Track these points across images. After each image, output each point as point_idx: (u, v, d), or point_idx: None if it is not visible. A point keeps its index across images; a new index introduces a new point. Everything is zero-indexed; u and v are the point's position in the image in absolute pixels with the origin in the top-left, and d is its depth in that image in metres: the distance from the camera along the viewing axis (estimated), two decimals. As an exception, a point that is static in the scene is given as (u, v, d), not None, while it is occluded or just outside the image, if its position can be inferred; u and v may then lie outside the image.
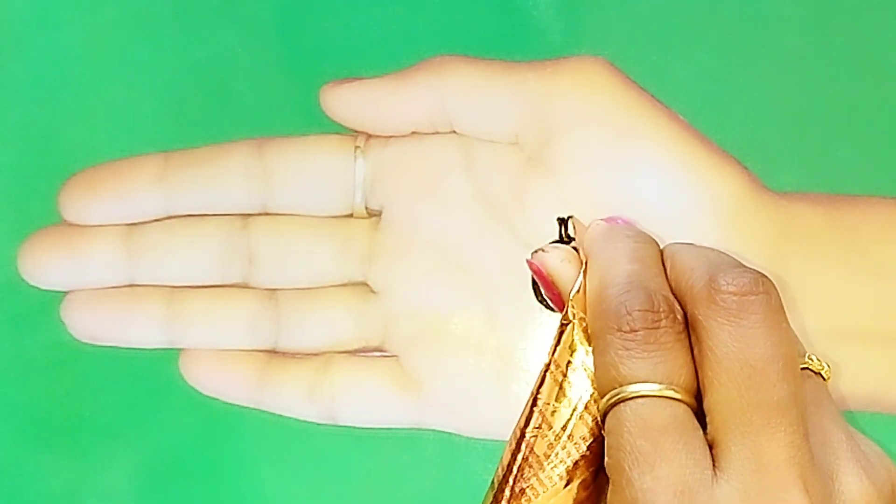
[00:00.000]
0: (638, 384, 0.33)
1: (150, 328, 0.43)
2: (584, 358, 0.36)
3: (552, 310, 0.39)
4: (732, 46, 0.43)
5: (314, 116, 0.43)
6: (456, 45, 0.43)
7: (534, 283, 0.40)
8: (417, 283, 0.43)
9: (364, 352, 0.43)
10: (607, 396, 0.34)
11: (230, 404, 0.43)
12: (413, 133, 0.43)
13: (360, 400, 0.43)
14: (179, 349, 0.44)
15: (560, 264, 0.38)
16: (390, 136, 0.43)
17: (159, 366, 0.44)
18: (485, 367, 0.42)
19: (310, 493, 0.43)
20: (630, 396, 0.33)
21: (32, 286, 0.44)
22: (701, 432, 0.33)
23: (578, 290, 0.36)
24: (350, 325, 0.43)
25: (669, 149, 0.41)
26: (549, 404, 0.36)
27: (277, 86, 0.44)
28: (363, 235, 0.44)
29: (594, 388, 0.35)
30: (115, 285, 0.44)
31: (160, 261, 0.43)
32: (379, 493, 0.43)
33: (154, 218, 0.44)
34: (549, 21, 0.43)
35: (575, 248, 0.39)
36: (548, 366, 0.36)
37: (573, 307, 0.36)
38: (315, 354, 0.43)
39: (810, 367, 0.36)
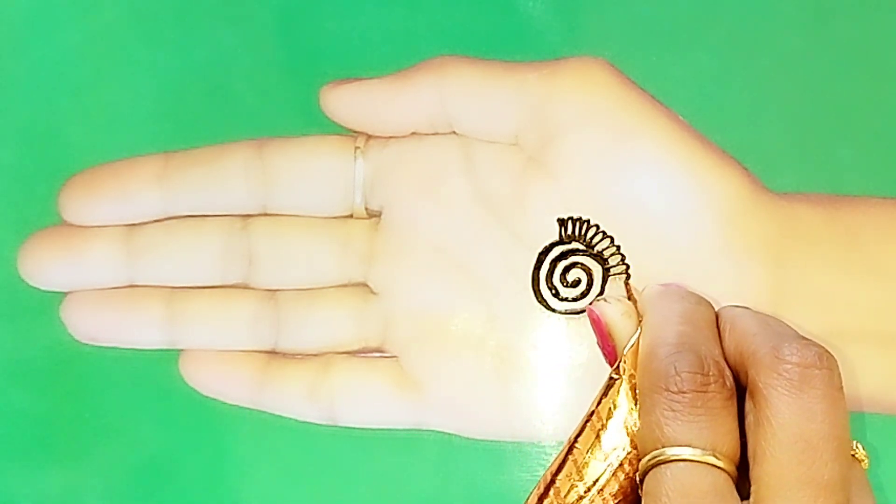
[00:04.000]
0: (680, 447, 0.33)
1: (150, 329, 0.43)
2: (626, 415, 0.36)
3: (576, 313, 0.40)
4: (732, 47, 0.43)
5: (314, 117, 0.43)
6: (456, 46, 0.43)
7: (534, 279, 0.40)
8: (417, 283, 0.43)
9: (364, 352, 0.43)
10: (648, 456, 0.34)
11: (230, 405, 0.43)
12: (413, 134, 0.43)
13: (360, 400, 0.43)
14: (179, 350, 0.44)
15: (620, 318, 0.38)
16: (390, 137, 0.43)
17: (159, 366, 0.44)
18: (485, 367, 0.42)
19: (310, 494, 0.43)
20: (671, 459, 0.33)
21: (33, 287, 0.44)
22: (739, 502, 0.33)
23: (632, 347, 0.37)
24: (350, 326, 0.43)
25: (669, 149, 0.41)
26: (584, 454, 0.36)
27: (277, 86, 0.44)
28: (363, 236, 0.44)
29: (632, 448, 0.35)
30: (115, 286, 0.44)
31: (160, 261, 0.43)
32: (379, 494, 0.43)
33: (154, 218, 0.44)
34: (549, 22, 0.43)
35: (632, 300, 0.39)
36: (589, 416, 0.36)
37: (625, 362, 0.36)
38: (315, 355, 0.43)
39: (855, 454, 0.36)
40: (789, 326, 0.36)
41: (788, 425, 0.33)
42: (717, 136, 0.42)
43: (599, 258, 0.41)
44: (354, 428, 0.43)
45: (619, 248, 0.40)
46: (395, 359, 0.43)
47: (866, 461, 0.36)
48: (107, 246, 0.43)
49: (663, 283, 0.39)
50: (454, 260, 0.43)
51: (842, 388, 0.34)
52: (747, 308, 0.38)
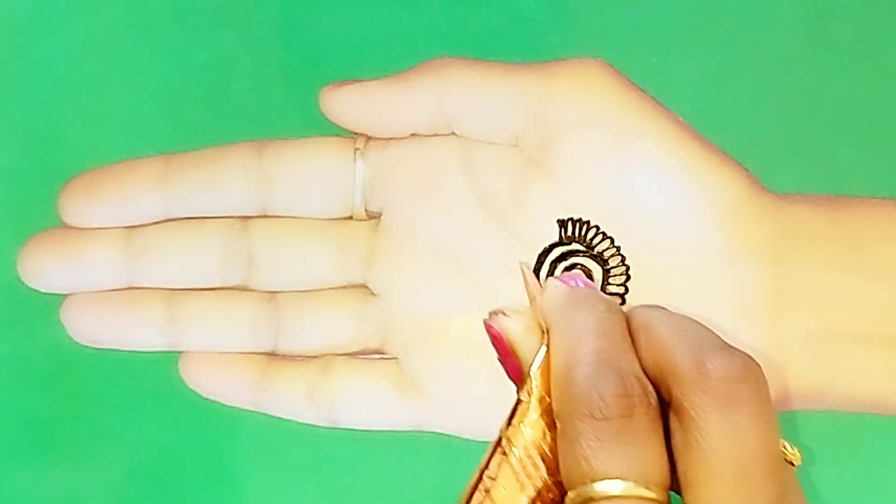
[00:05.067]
0: (610, 482, 0.32)
1: (150, 331, 0.43)
2: (540, 441, 0.34)
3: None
4: (732, 48, 0.43)
5: (313, 118, 0.43)
6: (455, 47, 0.43)
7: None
8: (417, 285, 0.43)
9: (364, 354, 0.43)
10: (575, 492, 0.32)
11: (230, 407, 0.43)
12: (413, 135, 0.43)
13: (360, 402, 0.43)
14: (179, 352, 0.43)
15: (523, 332, 0.36)
16: (390, 138, 0.43)
17: (159, 368, 0.44)
18: (485, 369, 0.42)
19: (310, 495, 0.43)
20: (602, 497, 0.32)
21: (32, 289, 0.44)
22: None
23: (541, 364, 0.34)
24: (350, 328, 0.43)
25: (669, 150, 0.41)
26: (495, 482, 0.34)
27: (277, 88, 0.44)
28: (363, 237, 0.43)
29: (548, 476, 0.34)
30: (114, 288, 0.43)
31: (160, 263, 0.43)
32: (379, 495, 0.43)
33: (154, 220, 0.43)
34: (549, 23, 0.43)
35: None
36: (499, 442, 0.34)
37: (532, 381, 0.34)
38: (315, 357, 0.43)
39: (786, 455, 0.35)
40: (707, 329, 0.35)
41: (720, 450, 0.32)
42: (717, 136, 0.42)
43: (600, 259, 0.41)
44: (354, 430, 0.43)
45: (619, 248, 0.40)
46: (394, 360, 0.43)
47: (797, 458, 0.35)
48: (106, 248, 0.43)
49: (565, 277, 0.38)
50: (454, 261, 0.43)
51: (769, 397, 0.33)
52: (659, 308, 0.36)
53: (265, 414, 0.43)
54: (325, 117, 0.43)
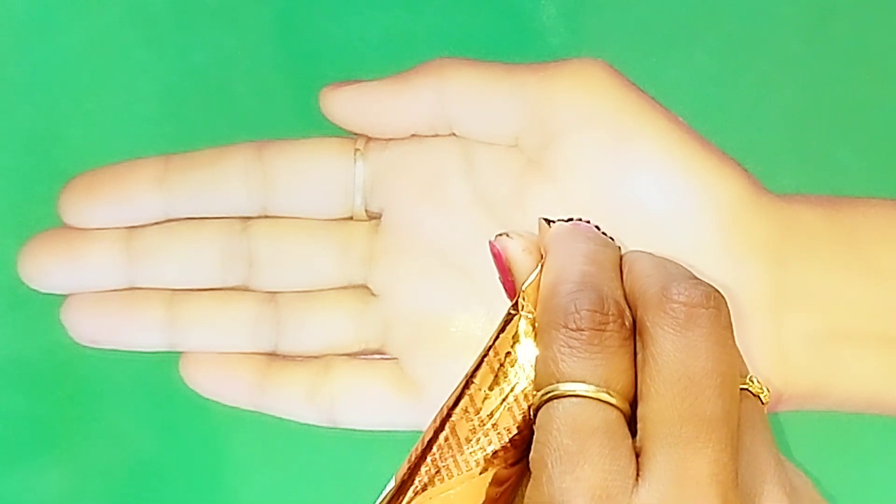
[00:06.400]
0: (574, 383, 0.33)
1: (151, 331, 0.43)
2: (525, 351, 0.35)
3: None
4: (732, 48, 0.43)
5: (314, 119, 0.43)
6: (455, 48, 0.43)
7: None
8: (417, 285, 0.43)
9: (364, 354, 0.43)
10: (542, 391, 0.34)
11: (230, 407, 0.43)
12: (413, 136, 0.43)
13: (360, 403, 0.43)
14: (179, 352, 0.43)
15: (520, 253, 0.37)
16: (390, 139, 0.43)
17: (159, 369, 0.44)
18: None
19: (310, 496, 0.43)
20: (564, 394, 0.33)
21: (32, 289, 0.44)
22: (630, 440, 0.33)
23: (532, 283, 0.36)
24: (350, 328, 0.43)
25: (669, 151, 0.41)
26: (480, 389, 0.35)
27: (277, 88, 0.44)
28: (363, 238, 0.44)
29: (529, 383, 0.35)
30: (115, 288, 0.43)
31: (160, 264, 0.43)
32: (379, 495, 0.43)
33: (154, 221, 0.44)
34: (549, 23, 0.43)
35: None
36: (486, 351, 0.36)
37: (524, 299, 0.36)
38: (315, 357, 0.43)
39: (750, 388, 0.35)
40: (685, 268, 0.36)
41: (672, 363, 0.33)
42: (717, 136, 0.42)
43: (599, 259, 0.40)
44: (355, 430, 0.43)
45: (619, 249, 0.40)
46: (395, 361, 0.43)
47: (766, 392, 0.36)
48: (107, 248, 0.43)
49: (571, 219, 0.39)
50: (454, 262, 0.43)
51: (730, 326, 0.34)
52: (650, 253, 0.37)
53: (265, 414, 0.43)
54: (326, 118, 0.43)
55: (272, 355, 0.44)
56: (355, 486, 0.43)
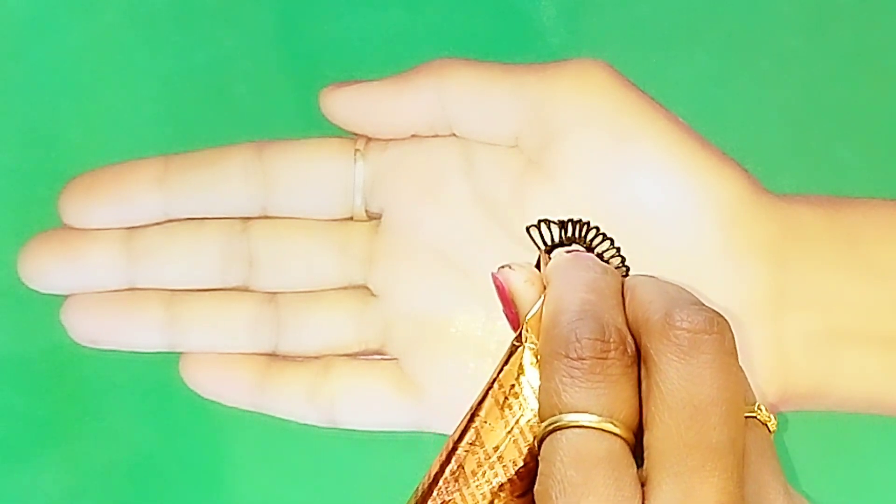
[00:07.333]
0: (577, 414, 0.33)
1: (150, 331, 0.43)
2: (529, 382, 0.35)
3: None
4: (732, 48, 0.43)
5: (314, 119, 0.43)
6: (455, 48, 0.43)
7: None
8: (417, 285, 0.43)
9: (364, 355, 0.43)
10: (546, 423, 0.33)
11: (230, 407, 0.43)
12: (413, 136, 0.43)
13: (360, 403, 0.43)
14: (179, 353, 0.43)
15: (523, 285, 0.37)
16: (390, 139, 0.43)
17: (159, 369, 0.44)
18: (485, 369, 0.42)
19: (310, 496, 0.43)
20: (568, 425, 0.33)
21: (32, 290, 0.44)
22: (634, 469, 0.33)
23: (535, 314, 0.36)
24: (350, 329, 0.43)
25: (669, 151, 0.41)
26: (486, 422, 0.35)
27: (277, 89, 0.44)
28: (363, 238, 0.44)
29: (534, 415, 0.35)
30: (115, 289, 0.43)
31: (160, 264, 0.43)
32: (379, 496, 0.43)
33: (154, 221, 0.44)
34: (549, 23, 0.43)
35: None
36: (491, 384, 0.36)
37: (527, 330, 0.36)
38: (315, 358, 0.43)
39: (758, 416, 0.36)
40: (688, 292, 0.36)
41: (676, 391, 0.33)
42: (717, 136, 0.42)
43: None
44: (355, 430, 0.43)
45: (619, 249, 0.40)
46: (395, 361, 0.43)
47: (773, 421, 0.36)
48: (107, 249, 0.43)
49: (572, 251, 0.39)
50: (454, 262, 0.43)
51: (734, 351, 0.33)
52: (653, 277, 0.37)
53: (265, 414, 0.43)
54: (326, 118, 0.43)
55: (272, 356, 0.44)
56: (355, 486, 0.43)
